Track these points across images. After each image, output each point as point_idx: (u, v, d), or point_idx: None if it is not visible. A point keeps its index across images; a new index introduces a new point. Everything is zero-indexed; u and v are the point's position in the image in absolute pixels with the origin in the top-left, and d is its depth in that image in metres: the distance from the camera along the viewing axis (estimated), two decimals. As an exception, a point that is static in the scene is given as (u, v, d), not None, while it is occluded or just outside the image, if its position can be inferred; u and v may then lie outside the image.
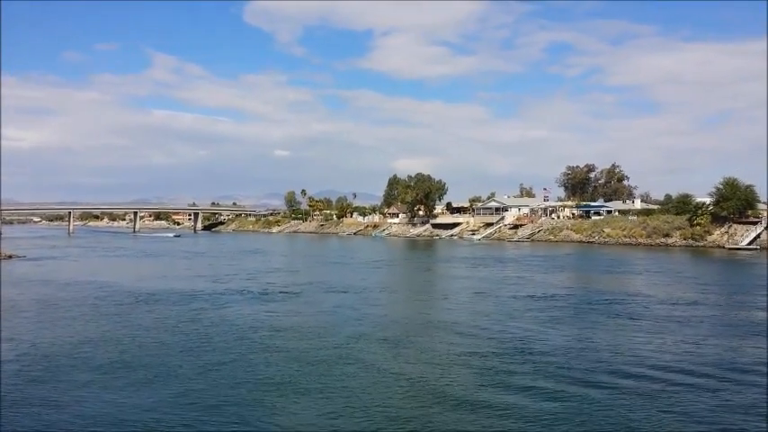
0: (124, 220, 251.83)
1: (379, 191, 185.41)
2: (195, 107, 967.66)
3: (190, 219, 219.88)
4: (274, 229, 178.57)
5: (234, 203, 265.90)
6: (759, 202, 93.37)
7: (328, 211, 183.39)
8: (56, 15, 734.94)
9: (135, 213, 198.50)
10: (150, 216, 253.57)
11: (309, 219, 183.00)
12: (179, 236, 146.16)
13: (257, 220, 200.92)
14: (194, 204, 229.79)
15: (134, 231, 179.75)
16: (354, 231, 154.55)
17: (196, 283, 41.11)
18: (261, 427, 13.69)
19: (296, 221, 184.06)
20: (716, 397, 15.70)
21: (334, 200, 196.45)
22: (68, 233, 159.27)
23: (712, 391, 16.21)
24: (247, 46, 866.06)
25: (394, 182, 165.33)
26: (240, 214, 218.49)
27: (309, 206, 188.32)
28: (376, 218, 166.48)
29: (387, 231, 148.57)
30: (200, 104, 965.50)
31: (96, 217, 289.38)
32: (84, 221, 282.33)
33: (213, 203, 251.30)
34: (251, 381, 17.12)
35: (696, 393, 15.94)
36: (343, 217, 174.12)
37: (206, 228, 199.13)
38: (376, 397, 15.67)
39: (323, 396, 15.72)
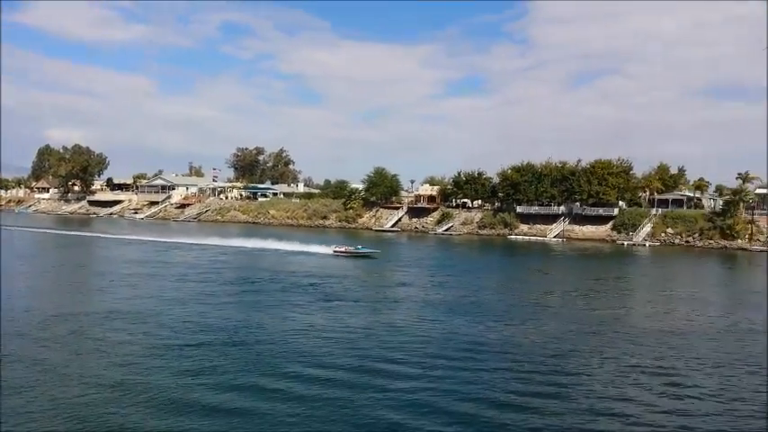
0: None
1: (28, 162, 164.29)
2: None
3: None
4: None
5: None
6: (402, 189, 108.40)
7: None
8: None
9: None
10: None
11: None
12: None
13: None
14: None
15: None
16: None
17: None
18: None
19: None
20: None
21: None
22: None
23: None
24: None
25: (46, 153, 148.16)
26: None
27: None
28: (21, 192, 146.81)
29: (34, 207, 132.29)
30: None
31: None
32: None
33: None
34: None
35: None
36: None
37: None
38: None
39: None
